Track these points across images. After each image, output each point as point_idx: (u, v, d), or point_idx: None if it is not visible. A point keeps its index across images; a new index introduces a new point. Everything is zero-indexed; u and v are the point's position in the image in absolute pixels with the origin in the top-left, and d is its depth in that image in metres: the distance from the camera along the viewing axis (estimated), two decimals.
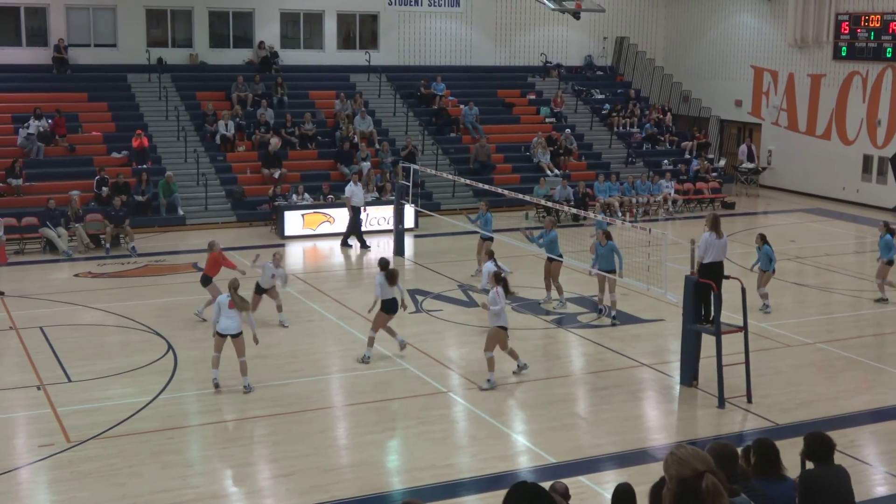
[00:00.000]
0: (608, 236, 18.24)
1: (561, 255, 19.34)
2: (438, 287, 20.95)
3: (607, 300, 18.55)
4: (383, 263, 16.21)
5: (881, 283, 20.25)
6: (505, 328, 14.90)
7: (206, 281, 17.84)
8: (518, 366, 15.35)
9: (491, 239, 21.24)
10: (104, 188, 26.09)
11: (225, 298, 14.38)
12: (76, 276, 21.88)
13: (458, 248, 23.74)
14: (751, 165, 35.15)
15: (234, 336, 14.32)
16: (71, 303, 19.49)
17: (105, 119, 29.87)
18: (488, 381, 14.75)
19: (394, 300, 15.99)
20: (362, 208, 25.38)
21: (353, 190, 25.10)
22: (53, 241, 23.76)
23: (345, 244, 25.07)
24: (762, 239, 19.38)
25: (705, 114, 37.26)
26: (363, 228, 25.26)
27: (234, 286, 14.48)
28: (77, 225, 24.23)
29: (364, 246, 24.86)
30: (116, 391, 14.56)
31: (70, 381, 15.00)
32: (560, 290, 19.54)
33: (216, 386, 14.49)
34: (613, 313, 18.45)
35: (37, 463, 12.10)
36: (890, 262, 20.09)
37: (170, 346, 16.55)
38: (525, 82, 36.65)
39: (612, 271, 18.21)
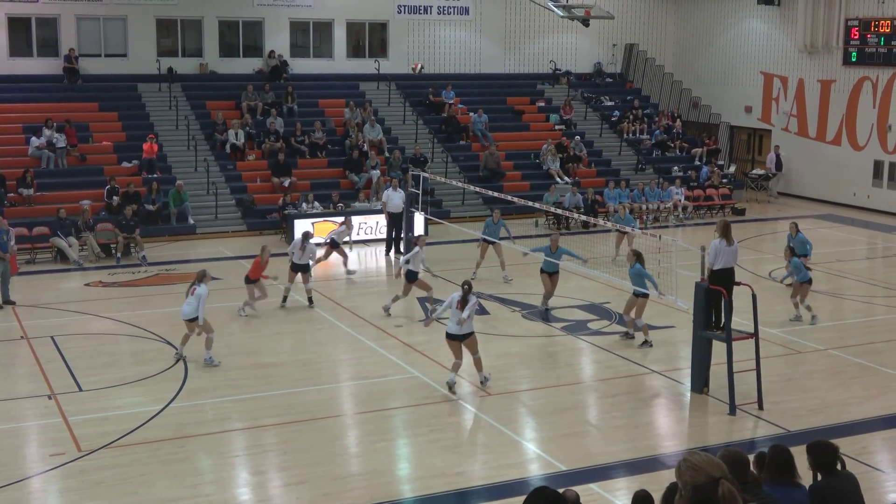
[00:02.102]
0: (638, 258, 17.06)
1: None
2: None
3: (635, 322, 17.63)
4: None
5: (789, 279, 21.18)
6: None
7: (248, 281, 18.99)
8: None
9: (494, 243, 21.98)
10: (115, 197, 26.17)
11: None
12: (87, 285, 21.93)
13: (469, 255, 23.72)
14: (760, 172, 35.09)
15: (188, 321, 15.94)
16: (82, 312, 19.54)
17: (115, 129, 29.98)
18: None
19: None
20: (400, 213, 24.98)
21: (390, 195, 25.03)
22: (64, 251, 23.83)
23: (398, 251, 24.93)
24: (791, 251, 19.44)
25: (715, 120, 37.21)
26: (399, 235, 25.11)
27: (199, 277, 16.20)
28: (88, 234, 24.30)
29: (395, 252, 24.85)
30: (127, 400, 14.58)
31: (81, 390, 15.03)
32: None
33: (180, 358, 16.27)
34: (632, 334, 17.47)
35: (48, 472, 12.12)
36: (806, 255, 20.88)
37: (180, 355, 16.56)
38: (534, 90, 36.66)
39: (642, 294, 17.15)
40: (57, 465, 12.26)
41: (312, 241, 20.45)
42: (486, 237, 22.04)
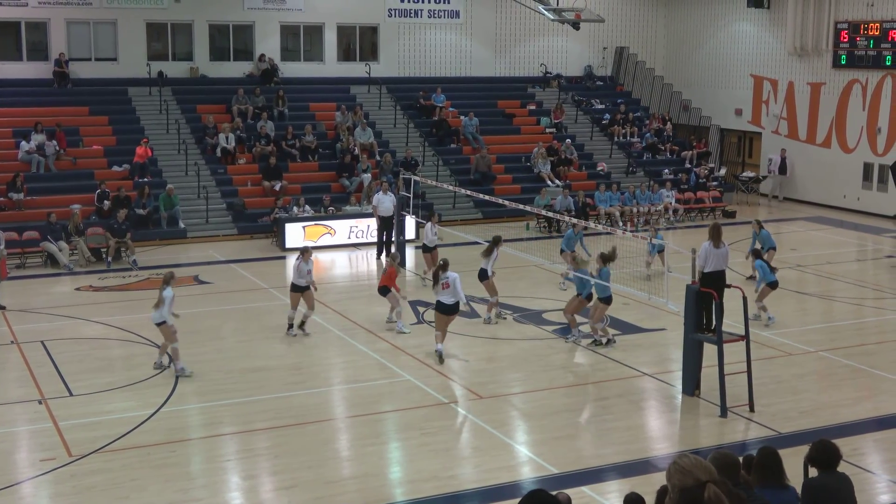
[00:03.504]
0: (605, 260, 17.13)
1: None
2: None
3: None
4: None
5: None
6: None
7: (384, 291, 18.41)
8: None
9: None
10: (105, 202, 26.11)
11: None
12: (77, 289, 21.87)
13: (460, 258, 23.65)
14: (751, 174, 35.17)
15: (156, 324, 15.77)
16: (72, 317, 19.48)
17: (106, 133, 29.93)
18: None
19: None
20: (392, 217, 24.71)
21: (380, 198, 24.98)
22: (55, 255, 23.77)
23: (389, 255, 24.70)
24: (756, 254, 19.44)
25: (705, 123, 37.29)
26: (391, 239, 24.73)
27: (165, 280, 15.87)
28: (78, 238, 24.24)
29: (380, 256, 24.70)
30: (118, 405, 14.54)
31: (71, 394, 14.99)
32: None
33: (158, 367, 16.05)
34: (600, 340, 17.60)
35: (39, 477, 12.08)
36: (773, 248, 21.33)
37: (171, 360, 16.53)
38: (525, 93, 36.70)
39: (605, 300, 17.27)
40: (47, 470, 12.22)
41: (312, 257, 18.56)
42: (565, 248, 21.72)
